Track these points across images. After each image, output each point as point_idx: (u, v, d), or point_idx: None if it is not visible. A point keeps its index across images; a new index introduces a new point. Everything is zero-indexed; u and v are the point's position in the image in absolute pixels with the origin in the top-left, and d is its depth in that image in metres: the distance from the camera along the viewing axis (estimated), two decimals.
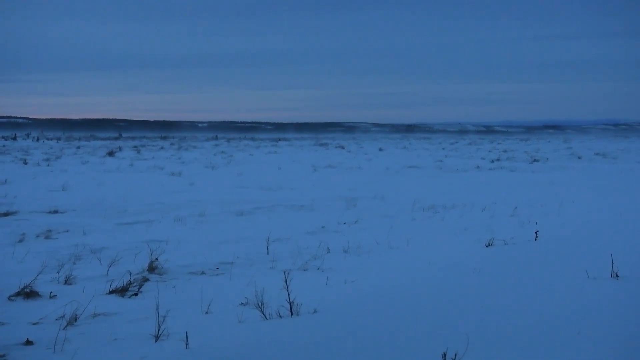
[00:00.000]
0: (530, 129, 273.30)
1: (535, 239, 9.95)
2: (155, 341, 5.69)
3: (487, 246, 9.95)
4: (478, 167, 34.41)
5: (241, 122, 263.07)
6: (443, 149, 63.35)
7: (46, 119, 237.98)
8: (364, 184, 24.09)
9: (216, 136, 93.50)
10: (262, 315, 6.31)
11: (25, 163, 34.72)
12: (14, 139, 73.68)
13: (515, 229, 12.03)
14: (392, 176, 28.33)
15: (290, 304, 6.34)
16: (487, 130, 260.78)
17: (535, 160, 40.67)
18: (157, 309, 6.10)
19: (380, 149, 60.56)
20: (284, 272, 7.06)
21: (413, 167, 34.40)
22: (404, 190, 21.45)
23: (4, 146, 55.98)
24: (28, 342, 5.73)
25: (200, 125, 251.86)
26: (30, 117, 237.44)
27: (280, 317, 6.26)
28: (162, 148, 57.11)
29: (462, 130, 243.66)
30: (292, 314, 6.28)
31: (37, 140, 73.48)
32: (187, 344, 5.39)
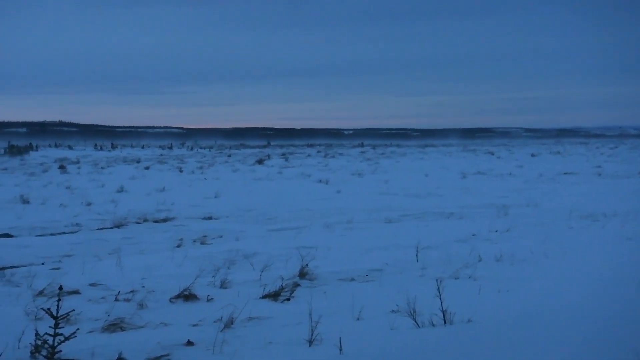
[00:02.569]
0: None
1: None
2: (309, 346, 5.74)
3: None
4: None
5: (387, 129, 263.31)
6: (602, 154, 60.37)
7: (199, 129, 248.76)
8: (516, 191, 23.40)
9: (362, 143, 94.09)
10: (415, 323, 6.22)
11: (181, 171, 36.41)
12: (170, 148, 77.57)
13: None
14: (546, 183, 27.34)
15: (444, 312, 6.21)
16: None
17: None
18: (310, 314, 6.15)
19: (533, 155, 58.65)
20: (437, 280, 6.94)
21: (569, 173, 33.03)
22: (559, 197, 20.65)
23: (161, 155, 59.02)
24: (189, 343, 5.95)
25: (346, 132, 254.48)
26: (185, 127, 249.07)
27: (434, 325, 6.14)
28: (309, 156, 58.15)
29: (622, 135, 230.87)
30: (445, 322, 6.15)
31: (191, 149, 76.99)
32: (340, 350, 5.40)
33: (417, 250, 10.46)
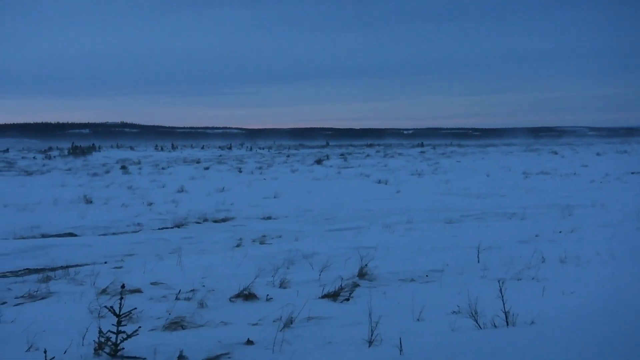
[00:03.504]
0: None
1: None
2: (369, 346, 5.69)
3: None
4: None
5: (447, 129, 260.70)
6: None
7: (258, 129, 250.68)
8: (581, 190, 22.88)
9: (422, 143, 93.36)
10: (476, 324, 6.11)
11: (240, 172, 36.72)
12: (230, 148, 78.25)
13: None
14: (613, 183, 26.65)
15: (506, 313, 6.08)
16: None
17: None
18: (370, 314, 6.10)
19: (598, 154, 57.26)
20: (498, 281, 6.80)
21: (636, 172, 32.12)
22: (627, 197, 20.08)
23: (220, 156, 59.61)
24: (249, 342, 5.96)
25: (405, 132, 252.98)
26: (244, 127, 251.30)
27: (496, 326, 6.02)
28: (368, 156, 57.98)
29: None
30: (507, 324, 6.02)
31: (250, 149, 77.56)
32: (401, 350, 5.33)
33: (478, 251, 10.29)
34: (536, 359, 4.93)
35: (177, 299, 7.79)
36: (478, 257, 10.06)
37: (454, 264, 9.77)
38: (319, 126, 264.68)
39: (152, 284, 8.69)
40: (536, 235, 12.54)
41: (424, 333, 6.03)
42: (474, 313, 6.24)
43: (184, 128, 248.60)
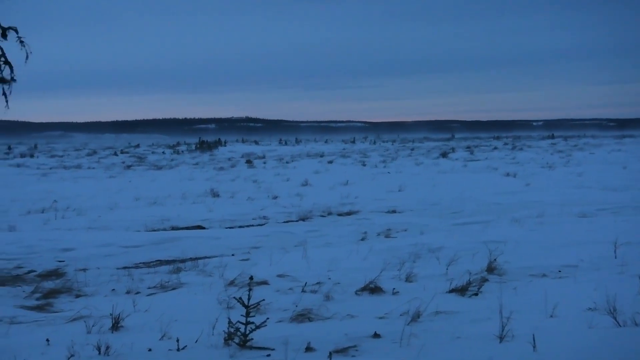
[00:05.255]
0: None
1: None
2: (500, 342, 5.51)
3: None
4: None
5: (579, 120, 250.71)
6: None
7: (381, 122, 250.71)
8: None
9: (552, 135, 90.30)
10: (615, 322, 5.82)
11: (364, 165, 36.73)
12: (353, 142, 78.55)
13: None
14: None
15: None
16: None
17: None
18: (501, 309, 5.89)
19: None
20: (639, 277, 6.42)
21: None
22: None
23: (344, 149, 59.92)
24: (376, 335, 5.89)
25: (535, 124, 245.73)
26: (367, 121, 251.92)
27: (637, 325, 5.70)
28: (495, 148, 56.66)
29: None
30: None
31: (374, 143, 77.52)
32: (534, 347, 5.11)
33: (615, 246, 9.75)
34: None
35: (303, 291, 7.83)
36: (615, 252, 9.54)
37: (589, 260, 9.33)
38: (443, 118, 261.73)
39: (278, 276, 8.78)
40: None
41: (558, 330, 5.83)
42: (612, 310, 5.97)
43: (308, 122, 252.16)
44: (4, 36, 4.92)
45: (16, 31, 5.02)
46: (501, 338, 5.55)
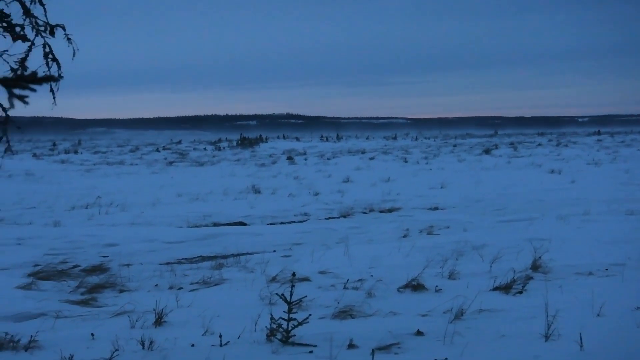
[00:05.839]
0: None
1: None
2: (546, 341, 5.43)
3: None
4: None
5: (627, 115, 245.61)
6: None
7: (423, 119, 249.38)
8: None
9: (598, 131, 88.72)
10: None
11: (406, 162, 36.56)
12: (395, 138, 78.13)
13: None
14: None
15: None
16: None
17: None
18: (546, 308, 5.80)
19: None
20: None
21: None
22: None
23: (385, 146, 59.70)
24: (419, 333, 5.85)
25: (580, 120, 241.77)
26: (409, 117, 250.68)
27: None
28: (539, 145, 55.87)
29: None
30: None
31: (416, 139, 77.03)
32: (581, 346, 5.02)
33: None
34: None
35: (345, 288, 7.80)
36: None
37: (637, 258, 9.12)
38: (486, 115, 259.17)
39: (320, 272, 8.76)
40: None
41: (605, 329, 5.77)
42: None
43: (348, 118, 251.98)
44: (52, 33, 4.97)
45: (63, 28, 5.07)
46: (547, 337, 5.47)
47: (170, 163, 37.59)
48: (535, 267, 8.56)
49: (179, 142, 70.52)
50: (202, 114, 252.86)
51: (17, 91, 1.78)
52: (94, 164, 36.37)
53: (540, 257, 8.74)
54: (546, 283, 7.75)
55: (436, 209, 16.64)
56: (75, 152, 49.63)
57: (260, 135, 65.56)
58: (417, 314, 6.57)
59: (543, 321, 5.67)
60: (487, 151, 45.00)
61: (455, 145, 57.76)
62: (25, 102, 1.81)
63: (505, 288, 7.51)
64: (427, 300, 7.15)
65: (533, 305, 6.66)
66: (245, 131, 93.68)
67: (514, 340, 5.53)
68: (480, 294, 7.11)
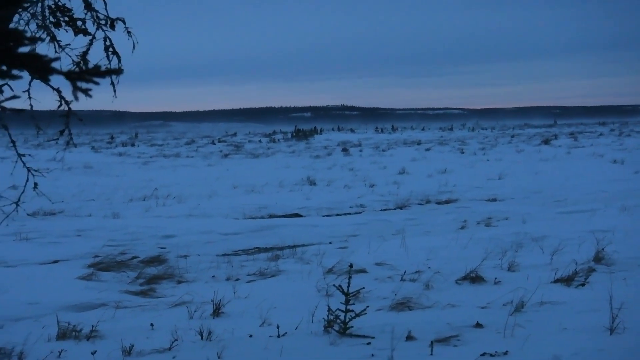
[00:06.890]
0: None
1: None
2: (610, 334, 5.28)
3: None
4: None
5: None
6: None
7: (480, 109, 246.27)
8: None
9: None
10: None
11: (462, 153, 36.15)
12: (451, 129, 77.30)
13: None
14: None
15: None
16: None
17: None
18: (610, 300, 5.62)
19: None
20: None
21: None
22: None
23: (441, 136, 59.11)
24: (478, 325, 5.75)
25: None
26: (465, 107, 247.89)
27: None
28: (600, 134, 54.61)
29: None
30: None
31: (472, 130, 76.09)
32: None
33: None
34: None
35: (402, 279, 7.74)
36: None
37: None
38: (545, 104, 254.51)
39: (376, 264, 8.71)
40: None
41: None
42: None
43: (404, 110, 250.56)
44: (112, 27, 5.03)
45: (124, 22, 5.13)
46: (611, 330, 5.32)
47: (226, 155, 37.89)
48: (598, 259, 8.35)
49: (234, 134, 71.07)
50: (257, 107, 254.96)
51: (81, 84, 1.78)
52: (151, 157, 36.88)
53: (603, 249, 8.52)
54: (610, 275, 7.55)
55: (494, 200, 16.42)
56: (133, 145, 50.41)
57: (315, 127, 65.55)
58: (476, 306, 6.46)
59: (607, 314, 5.52)
60: (546, 141, 44.15)
61: (513, 136, 56.84)
62: (89, 95, 1.81)
63: (567, 280, 7.34)
64: (486, 292, 7.04)
65: (596, 298, 6.49)
66: (300, 123, 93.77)
67: (577, 334, 5.40)
68: (541, 286, 6.96)
